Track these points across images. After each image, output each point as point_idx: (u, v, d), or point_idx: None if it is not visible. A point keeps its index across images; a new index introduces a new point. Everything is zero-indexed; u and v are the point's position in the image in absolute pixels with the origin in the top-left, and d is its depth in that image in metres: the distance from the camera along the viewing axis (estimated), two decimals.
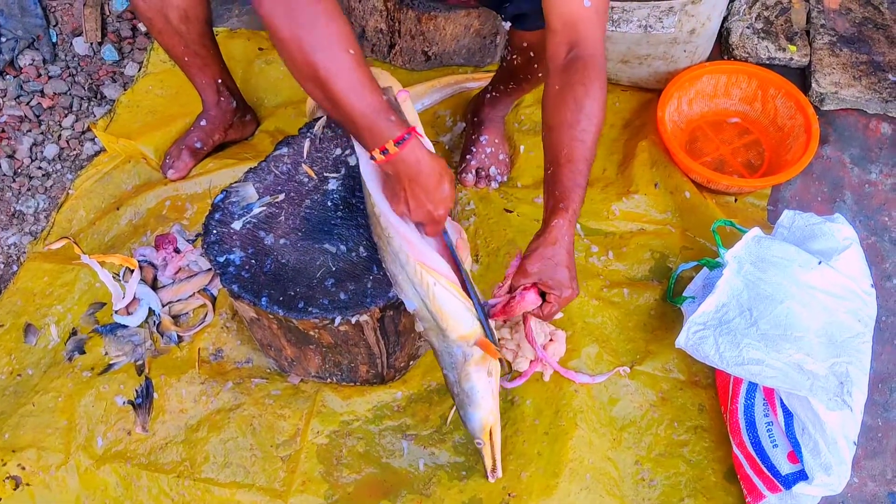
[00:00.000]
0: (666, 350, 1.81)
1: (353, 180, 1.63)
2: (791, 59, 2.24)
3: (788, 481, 1.55)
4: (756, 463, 1.62)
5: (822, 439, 1.51)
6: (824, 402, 1.52)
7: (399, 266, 1.42)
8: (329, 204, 1.60)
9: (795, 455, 1.55)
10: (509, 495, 1.63)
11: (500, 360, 1.50)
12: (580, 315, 1.85)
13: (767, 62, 2.25)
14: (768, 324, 1.61)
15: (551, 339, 1.78)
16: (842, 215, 1.76)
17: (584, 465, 1.66)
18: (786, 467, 1.57)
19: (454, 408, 1.73)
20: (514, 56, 1.79)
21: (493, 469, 1.56)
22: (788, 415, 1.58)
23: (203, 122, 2.05)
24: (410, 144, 1.31)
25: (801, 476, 1.54)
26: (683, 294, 1.84)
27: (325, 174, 1.65)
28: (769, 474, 1.59)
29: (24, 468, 1.68)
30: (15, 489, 1.67)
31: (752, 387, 1.67)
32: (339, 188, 1.62)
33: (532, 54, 1.74)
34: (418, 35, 2.16)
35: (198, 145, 2.05)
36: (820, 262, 1.65)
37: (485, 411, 1.48)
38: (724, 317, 1.65)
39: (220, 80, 1.99)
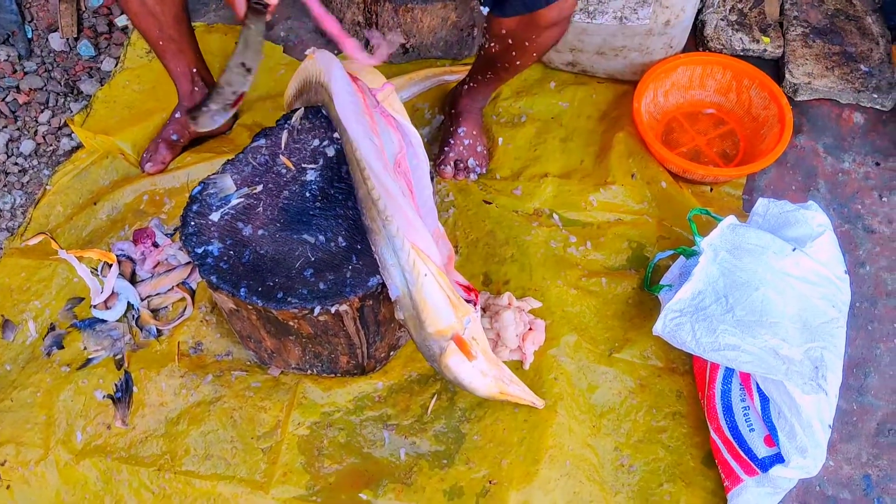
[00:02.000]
0: (644, 338, 1.83)
1: (331, 171, 1.64)
2: (765, 50, 2.27)
3: (765, 464, 1.57)
4: (733, 447, 1.64)
5: (797, 423, 1.53)
6: (799, 387, 1.54)
7: (392, 251, 1.43)
8: (307, 195, 1.61)
9: (772, 438, 1.58)
10: (490, 482, 1.64)
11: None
12: (559, 304, 1.87)
13: (742, 54, 2.27)
14: (744, 310, 1.63)
15: (530, 328, 1.79)
16: (815, 203, 1.78)
17: (564, 452, 1.67)
18: (762, 451, 1.59)
19: (434, 397, 1.75)
20: (493, 44, 1.79)
21: (534, 403, 1.67)
22: (765, 399, 1.60)
23: (178, 115, 2.05)
24: None
25: (778, 459, 1.56)
26: (661, 283, 1.86)
27: (303, 165, 1.65)
28: (746, 458, 1.61)
29: (2, 463, 1.67)
30: None
31: (729, 372, 1.69)
32: (318, 179, 1.63)
33: (511, 41, 1.75)
34: (395, 28, 2.17)
35: (174, 138, 2.04)
36: (794, 249, 1.67)
37: (482, 389, 1.52)
38: (700, 304, 1.66)
39: (195, 70, 1.99)
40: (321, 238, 1.55)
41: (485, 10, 1.72)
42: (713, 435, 1.68)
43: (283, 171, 1.65)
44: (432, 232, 1.52)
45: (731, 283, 1.67)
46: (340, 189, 1.61)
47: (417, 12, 2.12)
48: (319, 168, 1.64)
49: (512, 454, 1.67)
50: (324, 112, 1.71)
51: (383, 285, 1.49)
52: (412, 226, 1.45)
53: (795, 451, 1.53)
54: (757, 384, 1.62)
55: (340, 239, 1.54)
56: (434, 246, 1.45)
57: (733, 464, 1.63)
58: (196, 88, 2.02)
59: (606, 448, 1.72)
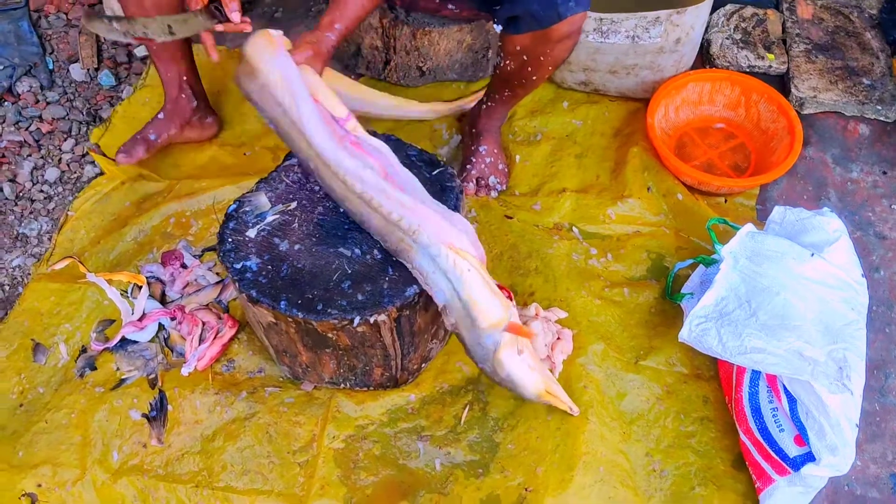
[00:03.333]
0: (668, 345, 1.87)
1: None
2: (770, 66, 2.34)
3: (797, 463, 1.60)
4: (764, 448, 1.66)
5: (826, 422, 1.56)
6: (826, 386, 1.57)
7: (429, 259, 1.47)
8: (341, 210, 1.64)
9: (802, 438, 1.61)
10: (526, 490, 1.66)
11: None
12: (584, 314, 1.90)
13: (748, 70, 2.34)
14: (767, 314, 1.67)
15: (558, 338, 1.83)
16: (832, 210, 1.83)
17: (598, 458, 1.69)
18: (793, 450, 1.62)
19: (467, 407, 1.77)
20: (508, 62, 1.85)
21: (570, 409, 1.69)
22: (792, 400, 1.64)
23: (160, 116, 2.12)
24: None
25: (809, 458, 1.59)
26: (682, 291, 1.90)
27: None
28: (777, 458, 1.64)
29: (39, 485, 1.68)
30: None
31: (756, 375, 1.72)
32: None
33: (525, 57, 1.80)
34: (413, 51, 2.23)
35: (152, 137, 2.11)
36: (812, 255, 1.72)
37: (531, 386, 1.55)
38: (723, 309, 1.70)
39: (185, 78, 2.06)
40: (357, 251, 1.58)
41: (498, 29, 1.77)
42: (743, 437, 1.71)
43: (317, 188, 1.68)
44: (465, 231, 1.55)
45: (753, 288, 1.71)
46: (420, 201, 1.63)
47: (434, 35, 2.18)
48: None
49: (546, 461, 1.69)
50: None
51: (420, 295, 1.52)
52: (441, 228, 1.48)
53: (826, 449, 1.56)
54: (784, 385, 1.66)
55: (376, 252, 1.58)
56: (466, 239, 1.48)
57: (764, 465, 1.66)
58: (183, 95, 2.08)
59: (638, 454, 1.74)
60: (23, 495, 1.67)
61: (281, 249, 1.59)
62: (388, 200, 1.52)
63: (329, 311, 1.49)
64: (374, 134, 1.72)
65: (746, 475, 1.71)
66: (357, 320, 1.49)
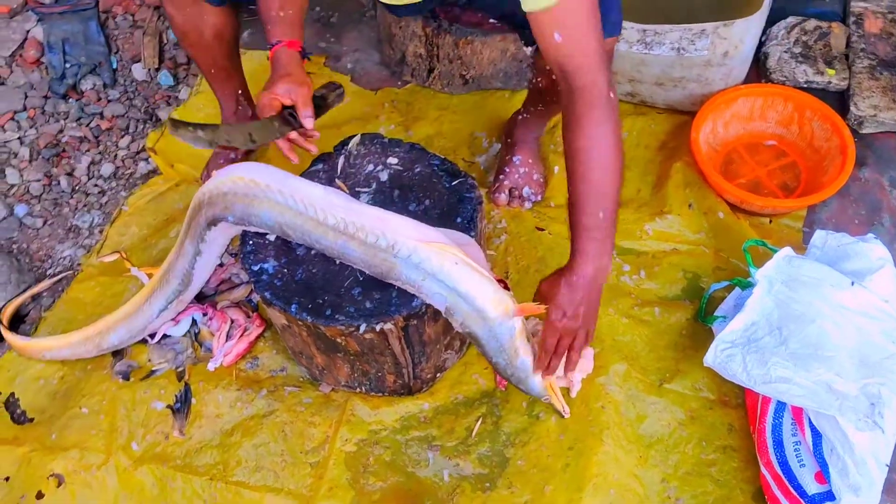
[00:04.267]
0: (696, 369, 1.81)
1: (383, 195, 1.69)
2: (829, 82, 2.24)
3: (815, 501, 1.53)
4: (783, 483, 1.59)
5: (850, 460, 1.49)
6: (853, 423, 1.49)
7: (414, 268, 1.46)
8: None
9: (823, 475, 1.53)
10: None
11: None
12: (609, 333, 1.86)
13: (805, 86, 2.24)
14: (798, 343, 1.59)
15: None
16: (877, 237, 1.74)
17: (609, 481, 1.66)
18: (812, 487, 1.55)
19: (479, 420, 1.76)
20: (539, 79, 1.83)
21: (562, 410, 1.69)
22: (817, 435, 1.56)
23: None
24: (277, 50, 1.59)
25: (829, 497, 1.51)
26: (715, 314, 1.84)
27: (357, 189, 1.70)
28: (796, 494, 1.56)
29: (67, 467, 1.76)
30: (58, 486, 1.75)
31: (781, 406, 1.65)
32: (370, 202, 1.68)
33: (555, 77, 1.77)
34: (456, 59, 2.23)
35: (232, 156, 2.15)
36: (853, 283, 1.63)
37: (540, 376, 1.56)
38: (752, 335, 1.64)
39: (239, 92, 2.11)
40: None
41: (528, 51, 1.74)
42: (763, 469, 1.64)
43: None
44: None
45: (786, 315, 1.64)
46: (393, 212, 1.65)
47: (477, 44, 2.17)
48: (372, 192, 1.70)
49: (556, 480, 1.67)
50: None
51: (428, 305, 1.52)
52: (414, 230, 1.47)
53: (848, 489, 1.48)
54: (809, 419, 1.58)
55: None
56: (438, 233, 1.47)
57: (783, 500, 1.59)
58: (239, 108, 2.13)
59: (653, 479, 1.69)
60: (51, 476, 1.75)
61: (298, 254, 1.62)
62: (360, 218, 1.50)
63: (337, 316, 1.51)
64: (398, 143, 1.74)
65: None
66: (363, 327, 1.51)
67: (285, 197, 1.54)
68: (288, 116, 1.58)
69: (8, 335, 1.96)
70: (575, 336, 1.51)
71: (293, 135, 1.61)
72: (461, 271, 1.45)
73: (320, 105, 1.64)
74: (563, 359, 1.55)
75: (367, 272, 1.53)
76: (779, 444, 1.63)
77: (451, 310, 1.48)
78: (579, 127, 1.41)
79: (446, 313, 1.49)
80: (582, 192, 1.44)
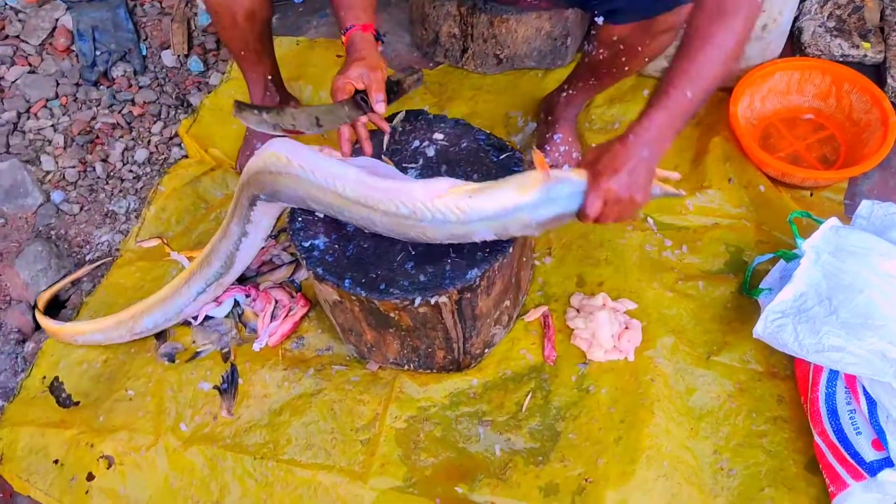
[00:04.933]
0: (743, 341, 1.80)
1: (430, 170, 1.68)
2: (865, 55, 2.23)
3: (873, 468, 1.52)
4: (839, 451, 1.59)
5: None
6: None
7: (442, 224, 1.43)
8: None
9: (880, 442, 1.53)
10: (586, 480, 1.64)
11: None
12: (655, 306, 1.86)
13: (841, 59, 2.23)
14: (848, 312, 1.59)
15: (626, 327, 1.79)
16: None
17: (662, 453, 1.66)
18: (870, 454, 1.54)
19: (529, 395, 1.76)
20: (601, 51, 1.81)
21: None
22: (872, 402, 1.56)
23: None
24: (352, 34, 1.58)
25: (887, 463, 1.51)
26: (760, 286, 1.83)
27: (403, 165, 1.70)
28: (853, 462, 1.56)
29: (117, 449, 1.76)
30: (108, 468, 1.75)
31: (834, 375, 1.65)
32: (418, 177, 1.67)
33: (622, 47, 1.77)
34: (490, 38, 2.22)
35: (258, 145, 2.12)
36: None
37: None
38: (802, 305, 1.63)
39: (269, 77, 2.09)
40: None
41: (600, 21, 1.72)
42: (817, 439, 1.63)
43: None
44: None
45: (835, 285, 1.63)
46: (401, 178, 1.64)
47: (512, 23, 2.16)
48: (419, 167, 1.69)
49: (608, 453, 1.67)
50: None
51: (481, 278, 1.52)
52: (423, 190, 1.45)
53: None
54: (863, 387, 1.58)
55: None
56: (443, 180, 1.46)
57: (839, 468, 1.58)
58: (268, 93, 2.12)
59: (705, 451, 1.69)
60: (101, 457, 1.75)
61: (348, 229, 1.61)
62: (374, 192, 1.48)
63: (391, 290, 1.50)
64: (443, 118, 1.74)
65: (820, 479, 1.64)
66: (418, 301, 1.50)
67: (306, 172, 1.53)
68: (359, 101, 1.56)
69: (42, 319, 1.97)
70: (619, 202, 1.39)
71: (365, 118, 1.59)
72: (479, 200, 1.42)
73: (395, 90, 1.60)
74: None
75: (404, 240, 1.53)
76: (833, 413, 1.62)
77: (502, 232, 1.45)
78: (719, 10, 1.37)
79: (499, 235, 1.46)
80: (681, 68, 1.39)
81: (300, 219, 1.64)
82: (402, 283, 1.52)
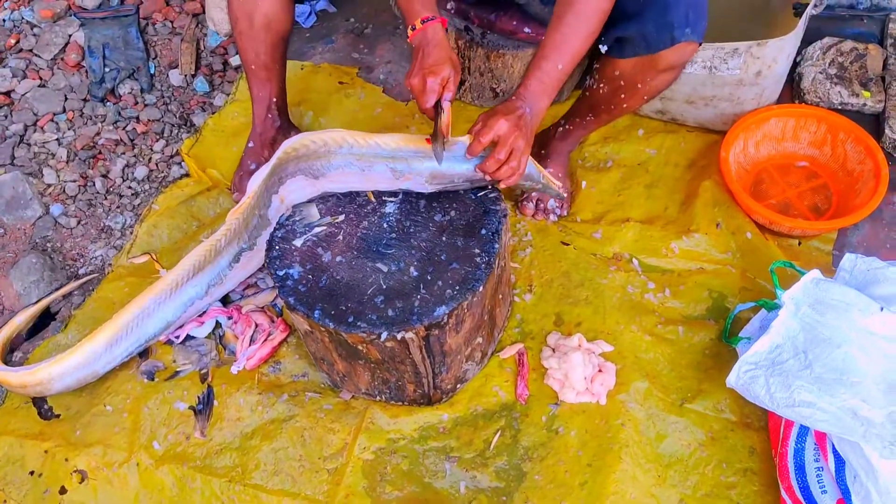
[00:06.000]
0: (718, 390, 1.79)
1: (409, 205, 1.70)
2: (864, 104, 2.21)
3: None
4: None
5: (874, 488, 1.46)
6: (878, 450, 1.46)
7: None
8: (385, 226, 1.67)
9: (845, 502, 1.51)
10: None
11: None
12: (632, 350, 1.85)
13: (839, 107, 2.22)
14: (823, 367, 1.57)
15: (600, 370, 1.79)
16: None
17: (626, 500, 1.65)
18: None
19: (498, 433, 1.76)
20: (602, 86, 1.83)
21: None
22: (840, 461, 1.53)
23: (251, 144, 2.16)
24: (432, 26, 1.61)
25: None
26: (740, 335, 1.82)
27: (383, 198, 1.72)
28: None
29: (90, 464, 1.78)
30: (81, 482, 1.77)
31: (804, 430, 1.63)
32: (396, 212, 1.69)
33: (622, 83, 1.79)
34: (487, 72, 2.24)
35: (252, 167, 2.16)
36: (882, 308, 1.61)
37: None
38: (777, 357, 1.62)
39: (274, 100, 2.10)
40: (394, 267, 1.61)
41: (603, 49, 1.75)
42: (783, 494, 1.61)
43: (366, 203, 1.72)
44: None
45: (812, 338, 1.62)
46: (416, 222, 1.67)
47: (508, 58, 2.18)
48: (398, 202, 1.71)
49: (572, 497, 1.66)
50: None
51: (449, 315, 1.53)
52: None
53: None
54: (833, 445, 1.56)
55: (412, 269, 1.60)
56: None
57: None
58: (269, 115, 2.13)
59: (671, 500, 1.68)
60: (74, 471, 1.78)
61: (323, 260, 1.63)
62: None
63: (359, 323, 1.52)
64: None
65: None
66: (384, 335, 1.51)
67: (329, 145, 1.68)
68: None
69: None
70: (506, 140, 1.56)
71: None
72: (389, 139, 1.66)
73: None
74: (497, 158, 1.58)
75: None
76: (800, 469, 1.60)
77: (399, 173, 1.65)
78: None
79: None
80: (555, 41, 1.63)
81: (277, 247, 1.66)
82: (370, 316, 1.53)
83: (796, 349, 1.62)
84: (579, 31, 1.63)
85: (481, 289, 1.57)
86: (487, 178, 1.62)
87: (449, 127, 1.61)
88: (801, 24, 2.01)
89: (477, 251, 1.61)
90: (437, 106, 1.60)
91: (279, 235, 1.69)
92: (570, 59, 1.64)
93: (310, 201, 1.74)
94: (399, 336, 1.52)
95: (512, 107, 1.61)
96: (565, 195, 1.90)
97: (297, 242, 1.67)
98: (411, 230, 1.66)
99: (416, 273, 1.59)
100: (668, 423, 1.76)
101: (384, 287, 1.58)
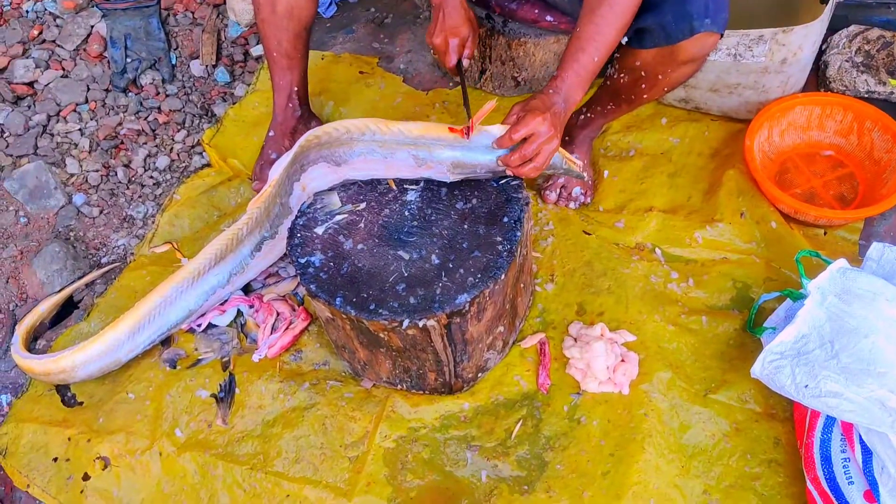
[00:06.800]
0: (743, 380, 1.77)
1: (430, 192, 1.69)
2: (891, 92, 2.18)
3: None
4: (830, 500, 1.55)
5: None
6: None
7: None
8: (406, 214, 1.67)
9: (872, 494, 1.48)
10: None
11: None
12: (655, 340, 1.84)
13: (866, 96, 2.19)
14: (850, 357, 1.55)
15: (622, 360, 1.78)
16: None
17: (649, 490, 1.63)
18: None
19: (520, 422, 1.75)
20: (622, 76, 1.82)
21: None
22: (867, 452, 1.52)
23: (272, 133, 2.15)
24: None
25: None
26: (765, 325, 1.80)
27: (405, 186, 1.71)
28: None
29: (113, 451, 1.79)
30: (104, 469, 1.78)
31: (830, 421, 1.61)
32: (417, 199, 1.68)
33: (643, 73, 1.78)
34: (508, 61, 2.22)
35: (273, 157, 2.15)
36: None
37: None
38: (802, 347, 1.60)
39: (296, 89, 2.09)
40: (415, 255, 1.60)
41: (624, 40, 1.74)
42: (809, 485, 1.60)
43: (387, 190, 1.71)
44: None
45: (839, 328, 1.60)
46: (437, 210, 1.66)
47: (530, 46, 2.16)
48: (420, 189, 1.70)
49: (594, 487, 1.65)
50: None
51: (471, 303, 1.52)
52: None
53: None
54: (860, 436, 1.54)
55: (434, 257, 1.59)
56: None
57: None
58: (290, 105, 2.12)
59: (695, 490, 1.66)
60: (97, 458, 1.79)
61: (345, 248, 1.63)
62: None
63: (380, 311, 1.52)
64: None
65: None
66: (406, 323, 1.51)
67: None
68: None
69: (22, 359, 1.88)
70: (538, 136, 1.55)
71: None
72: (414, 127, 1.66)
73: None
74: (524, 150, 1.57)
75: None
76: (826, 460, 1.58)
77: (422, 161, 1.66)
78: None
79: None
80: (590, 32, 1.61)
81: (299, 235, 1.66)
82: (391, 304, 1.53)
83: (822, 339, 1.60)
84: (614, 23, 1.62)
85: (503, 277, 1.56)
86: (510, 172, 1.62)
87: (483, 115, 1.62)
88: (828, 11, 1.98)
89: (499, 239, 1.60)
90: (459, 64, 1.71)
91: (301, 223, 1.68)
92: (605, 51, 1.63)
93: (331, 189, 1.74)
94: (421, 324, 1.51)
95: (549, 102, 1.59)
96: (585, 176, 1.93)
97: (319, 230, 1.66)
98: (433, 218, 1.65)
99: (437, 261, 1.58)
100: (691, 413, 1.74)
101: (406, 275, 1.57)
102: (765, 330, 1.78)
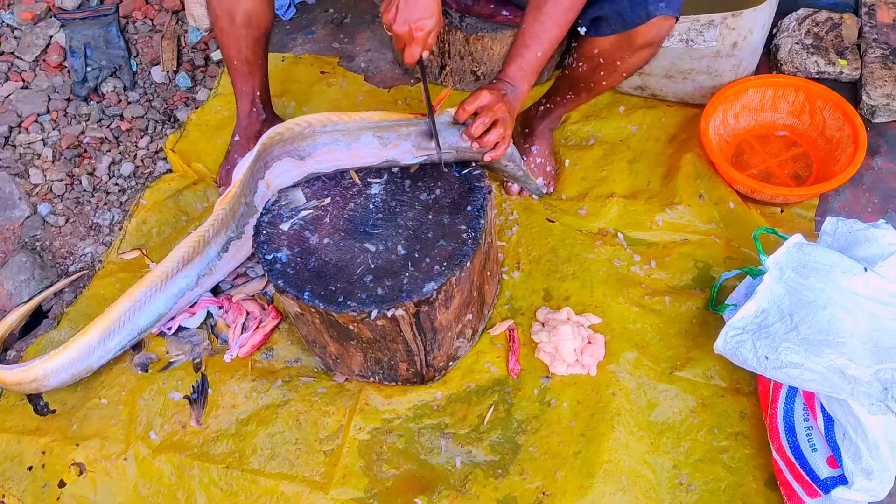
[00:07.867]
0: (707, 357, 1.81)
1: (394, 185, 1.72)
2: (841, 72, 2.24)
3: (827, 485, 1.53)
4: (795, 468, 1.59)
5: (863, 444, 1.49)
6: (866, 407, 1.49)
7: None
8: (371, 206, 1.69)
9: (835, 460, 1.53)
10: (543, 494, 1.65)
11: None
12: (620, 321, 1.87)
13: (817, 76, 2.25)
14: (809, 329, 1.59)
15: (589, 342, 1.81)
16: (889, 223, 1.74)
17: (620, 468, 1.67)
18: (825, 471, 1.55)
19: (492, 408, 1.78)
20: (580, 64, 1.86)
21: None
22: (829, 419, 1.56)
23: (237, 137, 2.16)
24: None
25: (841, 480, 1.51)
26: (726, 302, 1.84)
27: (368, 179, 1.73)
28: (808, 479, 1.56)
29: (88, 456, 1.79)
30: (79, 475, 1.78)
31: (792, 391, 1.65)
32: (381, 192, 1.71)
33: (601, 61, 1.82)
34: (467, 56, 2.25)
35: (238, 160, 2.15)
36: (865, 269, 1.63)
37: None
38: (763, 322, 1.64)
39: (258, 93, 2.10)
40: (382, 247, 1.62)
41: (582, 31, 1.78)
42: (775, 455, 1.64)
43: (351, 185, 1.73)
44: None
45: (797, 301, 1.64)
46: (402, 201, 1.68)
47: (487, 40, 2.19)
48: (384, 182, 1.73)
49: (567, 467, 1.68)
50: None
51: (438, 291, 1.54)
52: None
53: (860, 472, 1.48)
54: (821, 404, 1.58)
55: (400, 248, 1.61)
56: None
57: (795, 485, 1.59)
58: (254, 109, 2.12)
59: (664, 466, 1.70)
60: (72, 465, 1.79)
61: (311, 243, 1.65)
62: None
63: (349, 303, 1.53)
64: None
65: (778, 495, 1.64)
66: (375, 313, 1.53)
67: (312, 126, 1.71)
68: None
69: None
70: (491, 113, 1.64)
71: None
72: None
73: None
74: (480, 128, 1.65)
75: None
76: (790, 430, 1.63)
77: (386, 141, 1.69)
78: None
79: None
80: (535, 30, 1.68)
81: (265, 232, 1.67)
82: (359, 295, 1.55)
83: (782, 312, 1.64)
84: (558, 20, 1.68)
85: (469, 264, 1.58)
86: (475, 145, 1.65)
87: (441, 101, 1.68)
88: None
89: (463, 227, 1.62)
90: (420, 59, 1.67)
91: (266, 220, 1.70)
92: (548, 46, 1.70)
93: (295, 185, 1.75)
94: (389, 313, 1.53)
95: (494, 87, 1.69)
96: (545, 192, 2.06)
97: (284, 226, 1.68)
98: (397, 210, 1.68)
99: (403, 251, 1.61)
100: (658, 391, 1.78)
101: (373, 266, 1.59)
102: (726, 307, 1.82)
